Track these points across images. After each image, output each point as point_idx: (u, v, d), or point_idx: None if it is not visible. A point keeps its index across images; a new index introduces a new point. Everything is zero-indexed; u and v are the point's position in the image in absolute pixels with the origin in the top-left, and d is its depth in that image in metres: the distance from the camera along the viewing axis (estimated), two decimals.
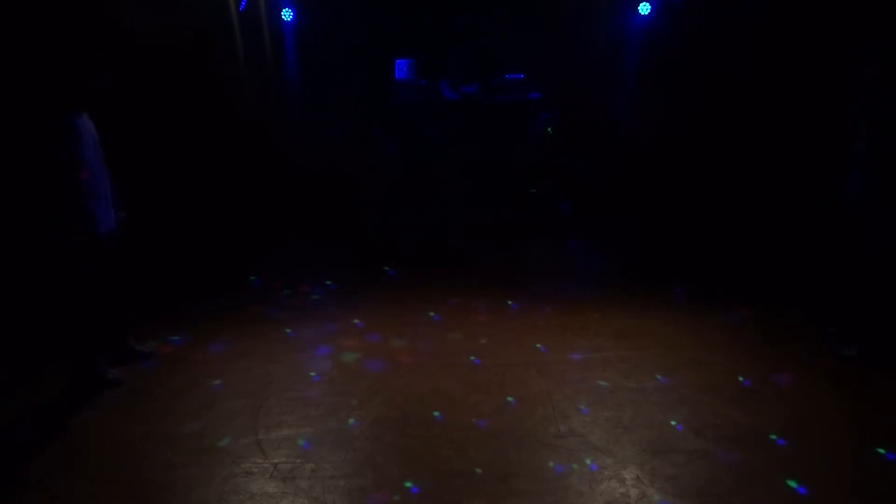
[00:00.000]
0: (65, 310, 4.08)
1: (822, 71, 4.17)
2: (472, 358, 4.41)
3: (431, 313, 5.28)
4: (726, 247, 6.71)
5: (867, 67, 4.00)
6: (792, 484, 3.01)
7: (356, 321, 5.12)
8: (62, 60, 4.04)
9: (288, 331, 4.96)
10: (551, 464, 3.21)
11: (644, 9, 7.57)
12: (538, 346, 4.60)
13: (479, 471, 3.17)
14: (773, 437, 3.39)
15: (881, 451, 3.23)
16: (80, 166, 3.86)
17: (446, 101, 8.01)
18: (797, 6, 6.57)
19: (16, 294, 4.89)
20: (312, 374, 4.25)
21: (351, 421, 3.65)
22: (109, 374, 4.15)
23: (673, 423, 3.55)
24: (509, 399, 3.86)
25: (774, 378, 4.04)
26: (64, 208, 3.83)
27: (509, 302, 5.47)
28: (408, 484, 3.07)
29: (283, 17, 7.95)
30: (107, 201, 4.11)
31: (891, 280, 4.07)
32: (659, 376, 4.08)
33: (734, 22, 6.96)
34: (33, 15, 5.34)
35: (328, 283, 6.05)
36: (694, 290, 5.62)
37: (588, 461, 3.22)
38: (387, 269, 6.41)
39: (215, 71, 7.36)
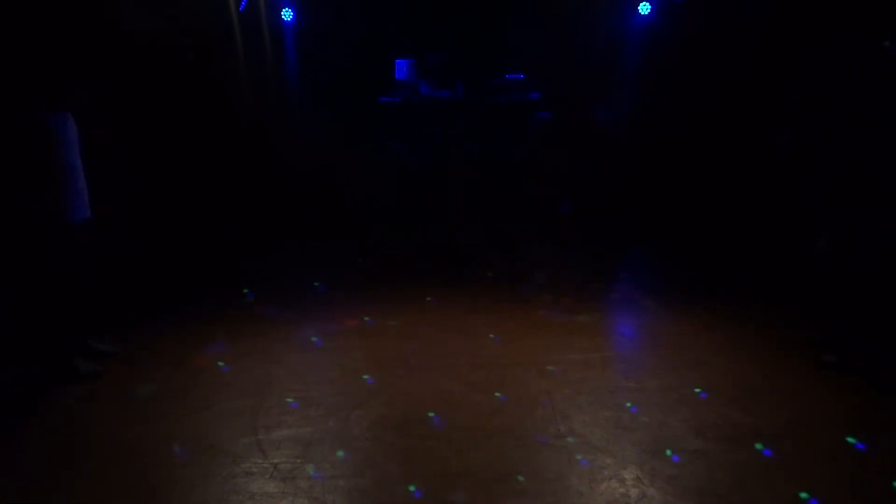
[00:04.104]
0: (51, 302, 4.13)
1: (822, 72, 4.16)
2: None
3: (431, 313, 5.28)
4: (727, 247, 6.71)
5: (869, 68, 3.98)
6: (793, 487, 3.01)
7: (356, 320, 5.11)
8: (46, 59, 4.10)
9: (288, 330, 4.96)
10: (551, 464, 3.21)
11: (644, 9, 7.57)
12: (538, 345, 4.60)
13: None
14: (773, 437, 3.39)
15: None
16: (50, 160, 3.96)
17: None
18: (797, 6, 6.56)
19: (14, 293, 4.89)
20: (312, 373, 4.24)
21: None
22: (86, 367, 4.19)
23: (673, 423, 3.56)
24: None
25: (775, 378, 4.05)
26: (31, 196, 3.95)
27: (509, 302, 5.47)
28: (411, 488, 3.08)
29: (283, 16, 7.94)
30: (81, 196, 4.16)
31: (891, 281, 4.06)
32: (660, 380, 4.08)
33: (734, 22, 6.95)
34: (32, 14, 5.34)
35: (328, 282, 6.05)
36: (694, 290, 5.62)
37: (587, 460, 3.22)
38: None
39: (215, 71, 7.35)
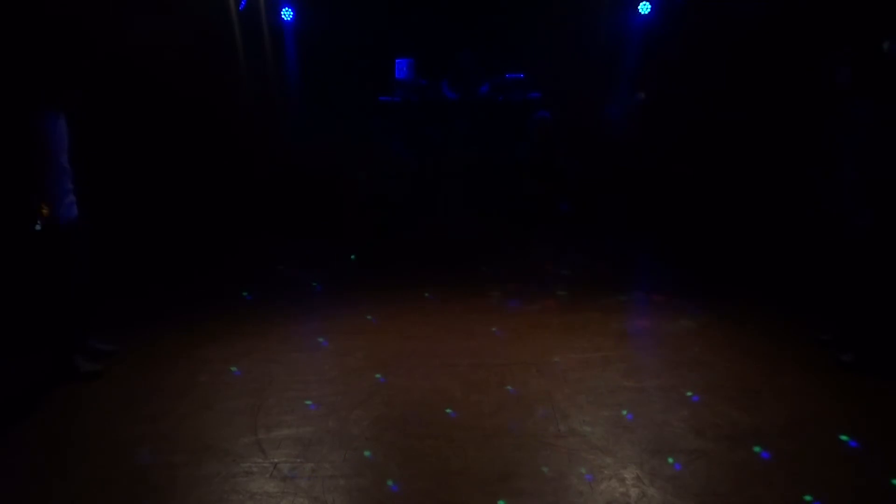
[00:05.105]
0: (51, 301, 4.14)
1: (823, 71, 4.16)
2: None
3: (430, 312, 5.28)
4: (727, 247, 6.70)
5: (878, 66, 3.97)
6: (794, 487, 3.01)
7: (356, 320, 5.11)
8: (44, 58, 4.12)
9: (287, 330, 4.96)
10: (551, 463, 3.21)
11: (644, 8, 7.57)
12: (537, 345, 4.60)
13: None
14: (773, 437, 3.39)
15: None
16: (47, 160, 3.99)
17: (447, 100, 8.00)
18: (798, 6, 6.56)
19: (13, 293, 4.89)
20: (312, 373, 4.24)
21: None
22: (86, 367, 4.20)
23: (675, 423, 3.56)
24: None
25: (775, 378, 4.04)
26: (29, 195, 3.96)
27: (509, 301, 5.47)
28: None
29: (282, 16, 7.94)
30: (70, 196, 4.18)
31: (889, 282, 4.06)
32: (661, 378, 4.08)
33: (734, 22, 6.95)
34: (36, 14, 5.34)
35: (327, 281, 6.05)
36: (694, 289, 5.61)
37: (587, 460, 3.22)
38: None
39: (215, 70, 7.35)
